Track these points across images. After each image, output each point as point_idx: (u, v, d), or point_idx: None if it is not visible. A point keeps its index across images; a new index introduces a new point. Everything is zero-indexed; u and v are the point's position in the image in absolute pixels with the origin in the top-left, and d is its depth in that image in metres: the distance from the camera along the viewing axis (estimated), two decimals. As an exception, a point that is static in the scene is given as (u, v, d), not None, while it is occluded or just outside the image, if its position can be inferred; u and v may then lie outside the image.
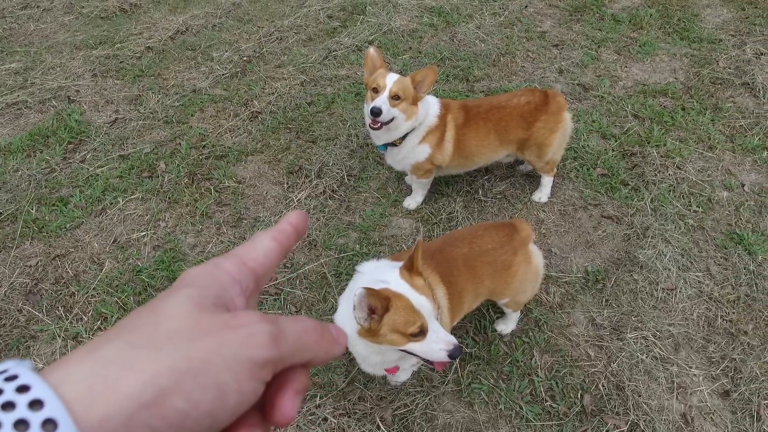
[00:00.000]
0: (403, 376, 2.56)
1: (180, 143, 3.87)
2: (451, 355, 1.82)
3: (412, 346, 1.84)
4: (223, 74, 4.54)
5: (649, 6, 5.37)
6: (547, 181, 3.40)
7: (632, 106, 4.16)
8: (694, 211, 3.39)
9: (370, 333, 1.83)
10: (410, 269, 1.92)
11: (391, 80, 2.89)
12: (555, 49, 4.81)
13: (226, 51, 4.81)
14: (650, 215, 3.35)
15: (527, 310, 2.88)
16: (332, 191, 3.54)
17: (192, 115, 4.13)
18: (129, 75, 4.56)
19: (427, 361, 1.90)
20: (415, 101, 2.96)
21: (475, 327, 2.83)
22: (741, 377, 2.63)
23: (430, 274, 2.25)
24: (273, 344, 0.42)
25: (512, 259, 2.38)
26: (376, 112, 2.85)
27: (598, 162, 3.68)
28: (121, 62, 4.73)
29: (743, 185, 3.56)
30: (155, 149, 3.84)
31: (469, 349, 2.72)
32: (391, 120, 2.93)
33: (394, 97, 2.87)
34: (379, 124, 2.92)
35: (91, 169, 3.70)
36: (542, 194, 3.43)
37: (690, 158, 3.74)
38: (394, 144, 3.10)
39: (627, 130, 3.94)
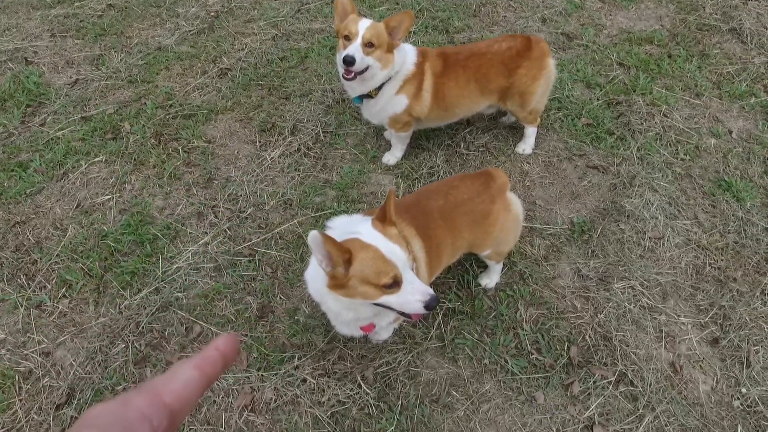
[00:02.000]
0: (384, 334, 2.46)
1: (145, 103, 3.66)
2: (428, 306, 1.71)
3: (387, 299, 1.72)
4: (189, 31, 4.30)
5: (633, -48, 5.17)
6: (530, 132, 3.27)
7: (617, 54, 4.01)
8: (681, 159, 3.29)
9: (340, 285, 1.71)
10: (383, 219, 1.79)
11: (363, 26, 2.70)
12: (537, -2, 4.62)
13: (193, 6, 4.55)
14: (637, 164, 3.24)
15: (511, 264, 2.79)
16: (307, 148, 3.38)
17: (157, 74, 3.91)
18: (90, 34, 4.30)
19: (403, 313, 1.79)
20: (390, 49, 2.78)
21: (458, 282, 2.73)
22: (730, 324, 2.57)
23: (406, 227, 2.12)
24: None
25: (490, 207, 2.27)
26: (349, 61, 2.67)
27: (583, 112, 3.55)
28: (81, 21, 4.45)
29: (731, 132, 3.47)
30: (119, 110, 3.63)
31: (452, 305, 2.63)
32: (366, 69, 2.76)
33: (368, 45, 2.69)
34: (352, 74, 2.75)
35: (51, 132, 3.49)
36: (526, 146, 3.31)
37: (677, 106, 3.62)
38: (369, 96, 2.94)
39: (612, 79, 3.80)
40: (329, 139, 3.44)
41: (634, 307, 2.62)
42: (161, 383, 0.49)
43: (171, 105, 3.65)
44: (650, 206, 3.02)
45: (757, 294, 2.68)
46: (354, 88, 2.92)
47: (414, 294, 1.72)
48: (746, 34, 4.16)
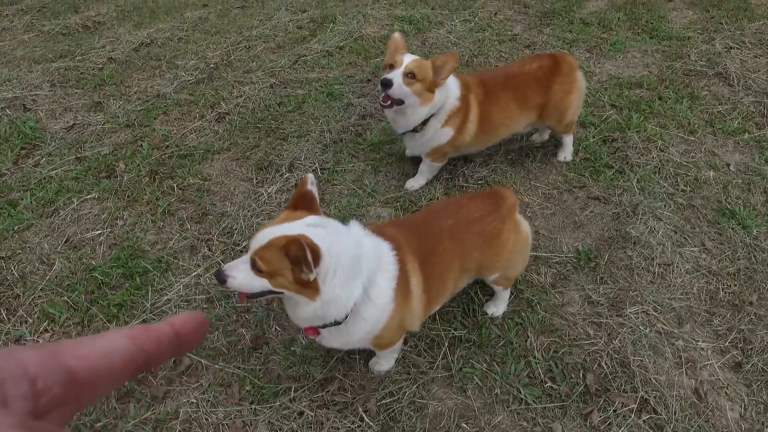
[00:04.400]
0: (385, 364, 2.31)
1: (141, 144, 3.64)
2: (217, 272, 1.72)
3: None
4: (188, 80, 4.37)
5: (616, 10, 5.43)
6: (568, 141, 3.40)
7: (609, 96, 4.09)
8: (682, 191, 3.26)
9: None
10: (293, 207, 1.79)
11: (408, 58, 2.75)
12: (527, 50, 4.78)
13: (192, 59, 4.65)
14: (638, 194, 3.21)
15: (518, 292, 2.67)
16: (305, 184, 3.33)
17: (155, 119, 3.92)
18: (89, 84, 4.36)
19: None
20: (432, 87, 2.80)
21: (463, 311, 2.60)
22: (752, 348, 2.43)
23: (410, 259, 2.01)
24: None
25: (501, 227, 2.19)
26: (386, 84, 2.70)
27: (580, 147, 3.55)
28: (81, 73, 4.53)
29: (728, 165, 3.47)
30: (114, 151, 3.60)
31: (458, 333, 2.48)
32: (401, 102, 2.78)
33: (409, 75, 2.72)
34: (389, 102, 2.78)
35: (44, 171, 3.43)
36: (566, 153, 3.44)
37: (672, 142, 3.64)
38: (414, 130, 2.96)
39: (606, 119, 3.85)
40: (327, 175, 3.41)
41: (650, 331, 2.48)
42: (72, 344, 0.38)
43: (167, 146, 3.64)
44: (656, 233, 2.95)
45: (776, 318, 2.56)
46: (398, 123, 2.96)
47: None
48: (732, 78, 4.27)
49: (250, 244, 1.67)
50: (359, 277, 1.79)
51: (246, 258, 1.69)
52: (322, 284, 1.67)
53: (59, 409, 0.36)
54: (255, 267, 1.67)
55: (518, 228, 2.26)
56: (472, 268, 2.22)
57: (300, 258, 1.55)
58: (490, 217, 2.17)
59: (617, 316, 2.56)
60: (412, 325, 2.06)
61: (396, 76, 2.70)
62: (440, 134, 3.00)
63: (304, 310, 1.77)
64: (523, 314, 2.57)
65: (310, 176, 1.82)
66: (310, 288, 1.68)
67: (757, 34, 4.93)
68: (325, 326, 1.87)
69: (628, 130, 3.72)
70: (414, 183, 3.29)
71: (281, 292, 1.72)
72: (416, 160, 3.48)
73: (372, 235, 1.98)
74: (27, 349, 0.36)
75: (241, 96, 4.17)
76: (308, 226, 1.69)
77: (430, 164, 3.19)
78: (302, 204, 1.80)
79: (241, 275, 1.70)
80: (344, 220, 3.02)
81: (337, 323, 1.83)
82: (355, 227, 1.93)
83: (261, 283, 1.70)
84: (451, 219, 2.14)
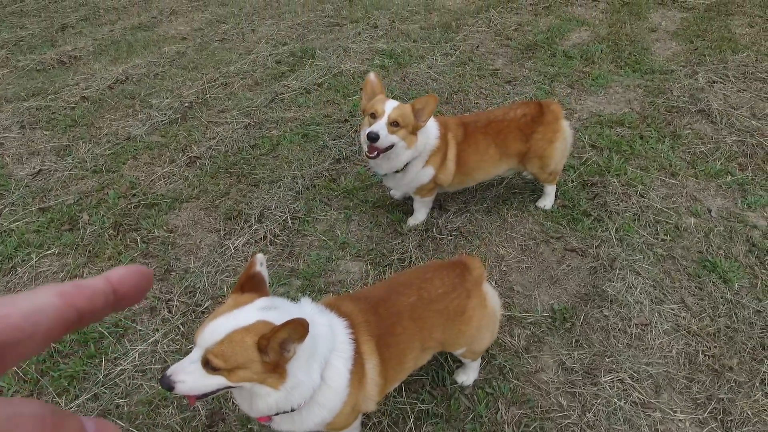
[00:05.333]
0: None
1: (107, 192, 3.54)
2: (161, 379, 1.56)
3: None
4: (161, 121, 4.28)
5: (599, 42, 5.38)
6: (550, 190, 3.36)
7: (589, 136, 4.01)
8: (662, 240, 3.17)
9: None
10: (240, 288, 1.64)
11: (390, 106, 2.74)
12: (508, 86, 4.71)
13: (167, 98, 4.56)
14: (616, 246, 3.11)
15: (490, 357, 2.56)
16: (274, 236, 3.22)
17: (124, 163, 3.82)
18: (60, 125, 4.26)
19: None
20: (414, 130, 2.80)
21: (432, 379, 2.48)
22: (732, 419, 2.32)
23: (366, 340, 1.90)
24: None
25: (466, 303, 2.07)
26: (372, 137, 2.68)
27: (558, 194, 3.46)
28: (52, 113, 4.43)
29: (710, 211, 3.38)
30: (79, 200, 3.50)
31: (426, 406, 2.37)
32: (390, 147, 2.77)
33: (393, 124, 2.72)
34: (375, 153, 2.76)
35: (5, 224, 3.32)
36: (546, 202, 3.38)
37: (652, 186, 3.56)
38: (396, 170, 2.95)
39: (585, 161, 3.77)
40: (297, 225, 3.30)
41: (624, 403, 2.37)
42: None
43: (134, 194, 3.53)
44: (634, 290, 2.85)
45: (757, 384, 2.45)
46: (381, 166, 2.93)
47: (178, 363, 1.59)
48: (715, 115, 4.20)
49: (197, 340, 1.54)
50: (316, 360, 1.68)
51: (194, 357, 1.56)
52: (289, 369, 1.57)
53: None
54: (209, 365, 1.55)
55: (484, 303, 2.14)
56: (433, 346, 2.11)
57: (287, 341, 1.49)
58: (455, 293, 2.05)
59: (591, 384, 2.44)
60: (366, 407, 1.95)
61: (381, 128, 2.69)
62: (422, 174, 3.00)
63: (264, 401, 1.65)
64: (495, 383, 2.45)
65: (260, 256, 1.71)
66: (275, 375, 1.57)
67: (740, 66, 4.88)
68: (278, 414, 1.76)
69: (608, 173, 3.64)
70: (413, 221, 3.29)
71: (239, 386, 1.60)
72: (393, 207, 3.39)
73: (325, 312, 1.87)
74: None
75: (214, 138, 4.07)
76: (261, 310, 1.58)
77: (421, 200, 3.19)
78: (250, 286, 1.69)
79: (191, 377, 1.56)
80: (312, 276, 2.93)
81: (291, 410, 1.72)
82: (306, 305, 1.82)
83: (216, 382, 1.57)
84: (413, 296, 2.02)
